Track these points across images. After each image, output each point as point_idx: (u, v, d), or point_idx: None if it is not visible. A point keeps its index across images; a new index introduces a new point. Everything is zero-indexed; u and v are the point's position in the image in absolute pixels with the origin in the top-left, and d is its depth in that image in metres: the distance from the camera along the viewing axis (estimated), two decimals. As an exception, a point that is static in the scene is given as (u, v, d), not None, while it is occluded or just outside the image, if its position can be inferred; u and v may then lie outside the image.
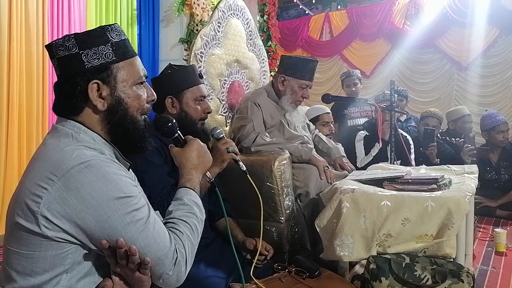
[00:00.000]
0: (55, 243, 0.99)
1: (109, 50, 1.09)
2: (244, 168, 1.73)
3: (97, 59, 1.08)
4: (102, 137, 1.12)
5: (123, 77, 1.11)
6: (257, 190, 1.72)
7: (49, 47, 1.11)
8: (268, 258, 1.81)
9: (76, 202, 0.97)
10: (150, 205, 1.10)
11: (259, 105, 2.57)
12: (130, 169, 1.23)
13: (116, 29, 1.13)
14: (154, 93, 1.22)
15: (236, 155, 1.77)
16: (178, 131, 1.40)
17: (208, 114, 1.96)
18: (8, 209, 1.07)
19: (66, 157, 0.99)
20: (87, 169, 0.98)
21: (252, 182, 1.71)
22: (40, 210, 0.97)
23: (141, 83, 1.16)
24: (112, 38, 1.11)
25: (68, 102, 1.09)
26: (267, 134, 2.54)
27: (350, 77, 4.32)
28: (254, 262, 1.72)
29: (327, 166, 2.54)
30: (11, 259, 1.03)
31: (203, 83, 1.98)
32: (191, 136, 1.38)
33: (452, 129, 4.28)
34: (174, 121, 1.41)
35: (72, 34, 1.09)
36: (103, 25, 1.15)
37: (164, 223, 1.11)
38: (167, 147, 1.73)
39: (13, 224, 1.01)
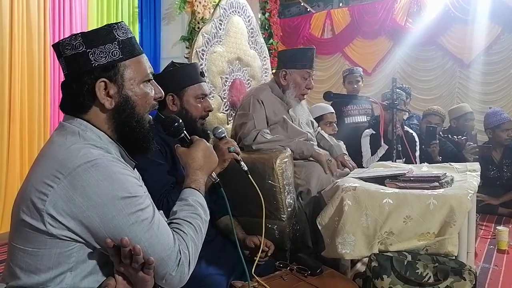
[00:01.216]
0: (60, 241, 0.99)
1: (116, 48, 1.09)
2: (246, 168, 1.73)
3: (104, 57, 1.08)
4: (108, 135, 1.12)
5: (130, 75, 1.12)
6: (258, 190, 1.72)
7: (56, 46, 1.11)
8: (269, 254, 1.80)
9: (82, 201, 0.97)
10: (155, 205, 1.10)
11: (262, 102, 2.56)
12: (135, 168, 1.23)
13: (122, 27, 1.13)
14: (162, 90, 1.22)
15: (238, 155, 1.76)
16: (185, 131, 1.39)
17: (210, 112, 1.96)
18: (13, 205, 1.07)
19: (72, 156, 1.00)
20: (93, 168, 0.98)
21: (254, 182, 1.70)
22: (46, 208, 0.97)
23: (148, 80, 1.17)
24: (119, 36, 1.11)
25: (76, 100, 1.09)
26: (268, 131, 2.54)
27: (353, 74, 4.29)
28: (257, 260, 1.71)
29: (330, 159, 2.53)
30: (16, 256, 1.03)
31: (205, 82, 1.97)
32: (197, 136, 1.38)
33: (454, 127, 4.27)
34: (180, 121, 1.40)
35: (79, 33, 1.10)
36: (109, 23, 1.15)
37: (168, 224, 1.11)
38: (168, 145, 1.73)
39: (18, 221, 1.02)
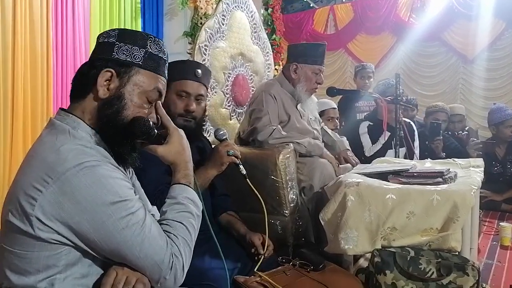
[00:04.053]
0: (48, 244, 0.98)
1: (140, 54, 1.12)
2: (244, 172, 1.72)
3: (125, 55, 1.11)
4: (97, 131, 1.10)
5: (136, 81, 1.12)
6: (257, 193, 1.71)
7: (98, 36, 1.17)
8: (264, 254, 1.73)
9: (71, 206, 0.96)
10: (147, 207, 1.09)
11: (274, 96, 2.55)
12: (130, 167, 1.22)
13: (158, 44, 1.16)
14: (156, 119, 1.19)
15: (237, 158, 1.74)
16: (155, 130, 1.21)
17: (192, 114, 1.81)
18: (3, 206, 1.06)
19: (62, 158, 0.98)
20: (82, 171, 0.97)
21: (252, 186, 1.68)
22: (35, 213, 0.96)
23: (151, 99, 1.15)
24: (150, 48, 1.14)
25: (80, 81, 1.12)
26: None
27: (366, 69, 4.32)
28: (262, 258, 1.70)
29: (337, 163, 2.59)
30: (5, 258, 1.03)
31: (197, 82, 1.84)
32: (168, 123, 1.23)
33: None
34: (148, 120, 1.19)
35: (118, 28, 1.17)
36: (149, 33, 1.19)
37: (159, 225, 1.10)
38: None
39: (6, 223, 1.01)
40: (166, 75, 1.20)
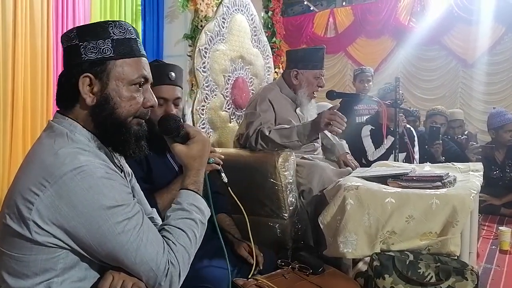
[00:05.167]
0: (45, 248, 0.98)
1: (108, 45, 1.06)
2: (226, 180, 1.68)
3: (94, 52, 1.05)
4: (96, 135, 1.09)
5: (116, 75, 1.07)
6: (239, 204, 1.67)
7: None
8: (253, 264, 1.69)
9: (68, 210, 0.96)
10: (146, 211, 1.08)
11: (270, 101, 2.53)
12: (126, 167, 1.22)
13: (120, 26, 1.09)
14: (155, 99, 1.16)
15: (219, 165, 1.72)
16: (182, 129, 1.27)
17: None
18: (1, 209, 1.05)
19: (59, 162, 0.97)
20: (79, 175, 0.96)
21: (233, 195, 1.65)
22: (32, 217, 0.95)
23: (139, 85, 1.11)
24: (114, 34, 1.07)
25: (63, 93, 1.09)
26: (270, 126, 2.46)
27: (364, 73, 4.31)
28: (253, 269, 1.68)
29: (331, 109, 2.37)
30: (3, 261, 1.02)
31: (172, 85, 1.76)
32: (192, 129, 1.27)
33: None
34: (179, 118, 1.30)
35: (75, 27, 1.09)
36: (106, 20, 1.12)
37: (160, 230, 1.09)
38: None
39: (4, 226, 1.00)
40: (143, 51, 1.13)
